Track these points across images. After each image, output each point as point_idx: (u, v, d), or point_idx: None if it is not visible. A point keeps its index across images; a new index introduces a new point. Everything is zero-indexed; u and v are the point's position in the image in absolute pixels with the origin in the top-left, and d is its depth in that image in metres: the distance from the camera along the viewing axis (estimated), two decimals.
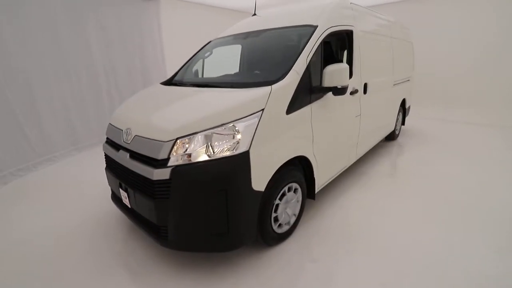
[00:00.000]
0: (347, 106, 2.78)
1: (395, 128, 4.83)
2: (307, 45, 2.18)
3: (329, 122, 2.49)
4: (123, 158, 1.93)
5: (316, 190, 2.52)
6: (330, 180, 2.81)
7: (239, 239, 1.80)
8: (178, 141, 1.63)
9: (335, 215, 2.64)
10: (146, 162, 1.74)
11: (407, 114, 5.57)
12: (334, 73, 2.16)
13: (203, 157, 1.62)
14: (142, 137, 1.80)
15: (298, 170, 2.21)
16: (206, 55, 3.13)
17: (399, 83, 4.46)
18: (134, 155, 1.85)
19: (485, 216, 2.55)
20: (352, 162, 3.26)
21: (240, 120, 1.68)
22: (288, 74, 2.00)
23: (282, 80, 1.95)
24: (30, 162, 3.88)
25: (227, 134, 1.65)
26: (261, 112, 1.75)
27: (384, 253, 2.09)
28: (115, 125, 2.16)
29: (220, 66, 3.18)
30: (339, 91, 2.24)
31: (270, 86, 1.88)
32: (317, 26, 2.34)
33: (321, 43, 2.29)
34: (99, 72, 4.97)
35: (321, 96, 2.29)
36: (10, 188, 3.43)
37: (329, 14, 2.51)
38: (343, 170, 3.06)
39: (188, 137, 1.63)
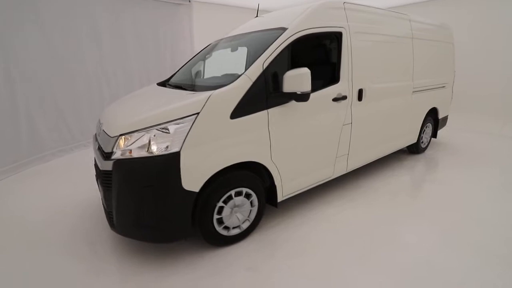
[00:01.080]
0: (327, 114, 2.59)
1: (419, 141, 4.23)
2: (268, 49, 2.12)
3: (297, 129, 2.37)
4: (94, 149, 2.24)
5: (281, 199, 2.44)
6: (303, 190, 2.67)
7: (170, 233, 1.90)
8: (122, 137, 1.82)
9: (301, 227, 2.50)
10: (102, 154, 1.99)
11: (443, 126, 4.80)
12: (294, 79, 2.05)
13: (140, 154, 1.77)
14: (104, 131, 2.06)
15: (252, 175, 2.18)
16: (206, 56, 3.30)
17: (424, 90, 3.90)
18: (99, 147, 2.13)
19: None
20: (340, 174, 3.01)
21: (173, 122, 1.77)
22: (238, 79, 2.00)
23: (229, 85, 1.96)
24: (69, 146, 4.73)
25: (160, 134, 1.76)
26: (195, 116, 1.81)
27: (329, 284, 1.89)
28: (99, 119, 2.50)
29: (217, 67, 3.32)
30: (300, 97, 2.12)
31: (212, 91, 1.92)
32: (286, 29, 2.25)
33: (287, 46, 2.20)
34: (134, 72, 5.66)
35: (284, 102, 2.20)
36: (51, 165, 4.23)
37: (306, 16, 2.37)
38: (325, 181, 2.86)
39: (129, 134, 1.80)
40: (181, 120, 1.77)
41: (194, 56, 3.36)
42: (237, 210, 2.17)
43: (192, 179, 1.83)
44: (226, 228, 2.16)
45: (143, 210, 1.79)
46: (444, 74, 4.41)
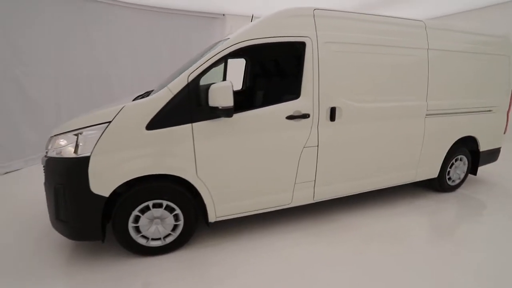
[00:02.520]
0: (279, 133, 2.30)
1: (443, 176, 3.35)
2: (198, 61, 2.04)
3: (235, 147, 2.18)
4: None
5: (214, 219, 2.28)
6: (249, 214, 2.43)
7: (81, 232, 1.99)
8: (52, 138, 2.03)
9: (238, 255, 2.26)
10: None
11: (489, 161, 3.71)
12: (216, 92, 1.91)
13: (59, 154, 1.93)
14: None
15: (175, 189, 2.10)
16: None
17: (450, 114, 3.10)
18: None
19: None
20: (305, 203, 2.64)
21: (86, 128, 1.87)
22: (160, 91, 1.98)
23: (148, 97, 1.96)
24: None
25: (75, 139, 1.88)
26: (107, 124, 1.87)
27: None
28: None
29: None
30: (223, 112, 1.96)
31: (130, 102, 1.95)
32: (227, 39, 2.12)
33: (222, 58, 2.08)
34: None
35: (213, 116, 2.06)
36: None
37: (253, 26, 2.20)
38: (281, 208, 2.53)
39: (57, 136, 2.00)
40: (93, 127, 1.87)
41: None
42: (158, 222, 2.13)
43: (101, 183, 1.88)
44: (146, 237, 2.14)
45: (58, 206, 1.93)
46: (491, 95, 3.41)
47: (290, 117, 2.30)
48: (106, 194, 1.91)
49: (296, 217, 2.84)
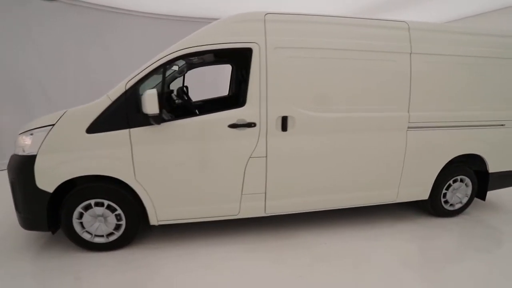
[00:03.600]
0: (221, 141, 2.26)
1: (437, 199, 2.91)
2: (140, 68, 2.11)
3: (174, 153, 2.21)
4: None
5: (156, 223, 2.34)
6: (195, 221, 2.42)
7: (30, 223, 2.21)
8: (19, 136, 2.30)
9: (176, 261, 2.27)
10: None
11: (505, 185, 3.13)
12: (144, 100, 1.96)
13: (16, 151, 2.18)
14: None
15: (116, 190, 2.20)
16: None
17: (443, 128, 2.70)
18: None
19: None
20: (255, 215, 2.54)
21: (36, 129, 2.08)
22: (101, 98, 2.10)
23: (89, 103, 2.09)
24: None
25: (28, 138, 2.10)
26: (50, 127, 2.05)
27: None
28: None
29: None
30: (153, 119, 2.00)
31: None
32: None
33: (160, 66, 2.12)
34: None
35: (150, 123, 2.09)
36: None
37: (199, 31, 2.20)
38: (228, 218, 2.47)
39: (20, 134, 2.25)
40: (41, 129, 2.07)
41: None
42: (101, 220, 2.26)
43: (45, 180, 2.08)
44: (90, 233, 2.29)
45: (14, 198, 2.20)
46: (503, 107, 2.84)
47: (233, 126, 2.24)
48: (50, 190, 2.10)
49: (252, 229, 2.74)
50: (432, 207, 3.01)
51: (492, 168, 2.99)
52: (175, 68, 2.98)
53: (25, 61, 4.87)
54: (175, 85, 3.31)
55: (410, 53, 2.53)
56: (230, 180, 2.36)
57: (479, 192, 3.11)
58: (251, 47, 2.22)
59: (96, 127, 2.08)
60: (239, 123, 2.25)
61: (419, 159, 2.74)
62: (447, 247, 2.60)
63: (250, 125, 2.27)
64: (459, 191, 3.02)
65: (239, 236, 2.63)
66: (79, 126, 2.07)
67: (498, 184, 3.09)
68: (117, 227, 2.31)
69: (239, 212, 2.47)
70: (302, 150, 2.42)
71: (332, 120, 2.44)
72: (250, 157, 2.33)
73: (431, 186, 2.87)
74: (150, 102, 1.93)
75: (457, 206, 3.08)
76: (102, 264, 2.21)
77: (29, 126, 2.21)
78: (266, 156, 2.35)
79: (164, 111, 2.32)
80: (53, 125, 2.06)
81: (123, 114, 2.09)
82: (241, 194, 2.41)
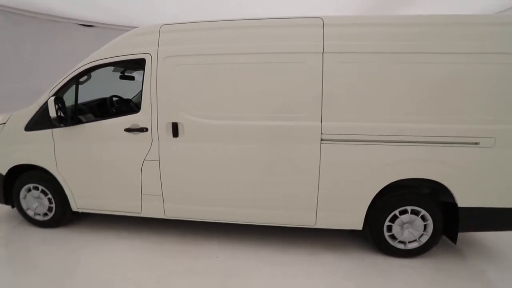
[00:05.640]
0: (119, 144, 2.47)
1: (382, 233, 2.36)
2: (61, 78, 2.52)
3: (84, 151, 2.55)
4: None
5: (76, 209, 2.74)
6: (108, 213, 2.70)
7: None
8: None
9: (85, 251, 2.58)
10: None
11: (493, 227, 2.32)
12: (47, 105, 2.36)
13: None
14: None
15: (47, 177, 2.66)
16: None
17: (369, 142, 2.21)
18: None
19: None
20: (157, 216, 2.63)
21: None
22: (34, 103, 2.60)
23: (27, 108, 2.63)
24: None
25: None
26: (3, 124, 2.70)
27: None
28: None
29: None
30: (54, 121, 2.40)
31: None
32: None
33: (74, 77, 2.49)
34: None
35: (71, 124, 2.50)
36: None
37: (107, 44, 2.48)
38: (133, 215, 2.65)
39: None
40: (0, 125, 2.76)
41: None
42: (40, 202, 2.79)
43: (1, 165, 2.75)
44: (32, 211, 2.84)
45: None
46: (476, 119, 2.08)
47: (128, 130, 2.42)
48: (3, 172, 2.75)
49: (170, 230, 2.83)
50: (375, 242, 2.42)
51: (463, 201, 2.19)
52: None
53: None
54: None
55: (322, 53, 2.16)
56: (129, 179, 2.54)
57: (450, 232, 2.32)
58: (144, 57, 2.36)
59: (30, 126, 2.62)
60: (133, 127, 2.42)
61: (341, 179, 2.27)
62: None
63: (143, 130, 2.40)
64: (413, 226, 2.33)
65: (145, 232, 2.78)
66: (19, 125, 2.66)
67: (474, 224, 2.23)
68: (50, 209, 2.82)
69: (141, 211, 2.62)
70: (195, 157, 2.39)
71: (225, 128, 2.32)
72: (144, 160, 2.46)
73: (364, 214, 2.32)
74: (50, 107, 2.33)
75: (413, 245, 2.37)
76: (42, 238, 2.72)
77: None
78: (158, 160, 2.44)
79: (90, 115, 2.73)
80: (4, 123, 2.73)
81: (46, 117, 2.57)
82: (141, 193, 2.56)
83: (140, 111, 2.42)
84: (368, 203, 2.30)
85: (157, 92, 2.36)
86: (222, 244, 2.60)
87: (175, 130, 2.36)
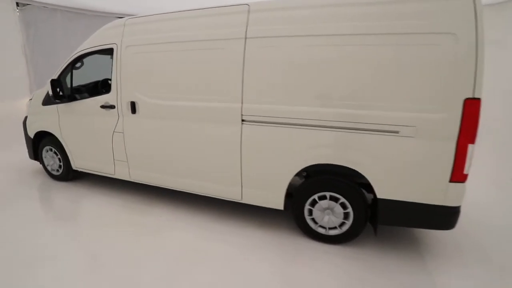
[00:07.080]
0: (96, 117, 3.07)
1: (303, 216, 2.44)
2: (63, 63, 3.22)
3: (75, 122, 3.25)
4: None
5: (75, 167, 3.50)
6: (102, 174, 3.34)
7: (29, 154, 3.88)
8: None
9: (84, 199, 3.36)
10: None
11: (423, 224, 2.24)
12: (47, 85, 3.06)
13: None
14: None
15: (56, 142, 3.48)
16: None
17: (286, 125, 2.30)
18: None
19: None
20: (125, 179, 3.18)
21: (29, 100, 3.68)
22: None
23: (43, 88, 3.43)
24: None
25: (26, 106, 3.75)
26: (30, 100, 3.57)
27: None
28: None
29: None
30: (52, 98, 3.12)
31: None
32: None
33: (69, 64, 3.15)
34: None
35: (67, 101, 3.22)
36: None
37: (90, 38, 3.04)
38: (108, 176, 3.28)
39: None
40: (30, 100, 3.66)
41: None
42: (54, 160, 3.66)
43: (30, 131, 3.68)
44: (53, 169, 3.74)
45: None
46: (397, 106, 1.95)
47: (102, 107, 3.00)
48: (32, 136, 3.69)
49: (138, 190, 3.38)
50: (298, 224, 2.49)
51: (382, 193, 2.08)
52: None
53: None
54: None
55: (245, 38, 2.28)
56: (105, 147, 3.14)
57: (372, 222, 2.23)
58: (113, 47, 2.87)
59: (45, 102, 3.45)
60: (105, 105, 2.99)
61: (260, 158, 2.40)
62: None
63: (112, 107, 2.95)
64: (334, 212, 2.31)
65: (123, 192, 3.37)
66: (39, 101, 3.52)
67: (396, 218, 2.09)
68: (60, 166, 3.67)
69: (115, 173, 3.22)
70: (147, 131, 2.83)
71: (166, 107, 2.67)
72: (114, 131, 3.01)
73: (283, 195, 2.41)
74: (49, 88, 3.06)
75: (334, 232, 2.35)
76: (58, 189, 3.59)
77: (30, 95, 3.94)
78: (123, 132, 2.96)
79: (85, 94, 3.43)
80: (31, 99, 3.63)
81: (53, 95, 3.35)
82: (114, 159, 3.15)
83: (111, 91, 2.97)
84: (286, 185, 2.38)
85: (121, 76, 2.86)
86: (170, 208, 3.02)
87: (133, 107, 2.84)
